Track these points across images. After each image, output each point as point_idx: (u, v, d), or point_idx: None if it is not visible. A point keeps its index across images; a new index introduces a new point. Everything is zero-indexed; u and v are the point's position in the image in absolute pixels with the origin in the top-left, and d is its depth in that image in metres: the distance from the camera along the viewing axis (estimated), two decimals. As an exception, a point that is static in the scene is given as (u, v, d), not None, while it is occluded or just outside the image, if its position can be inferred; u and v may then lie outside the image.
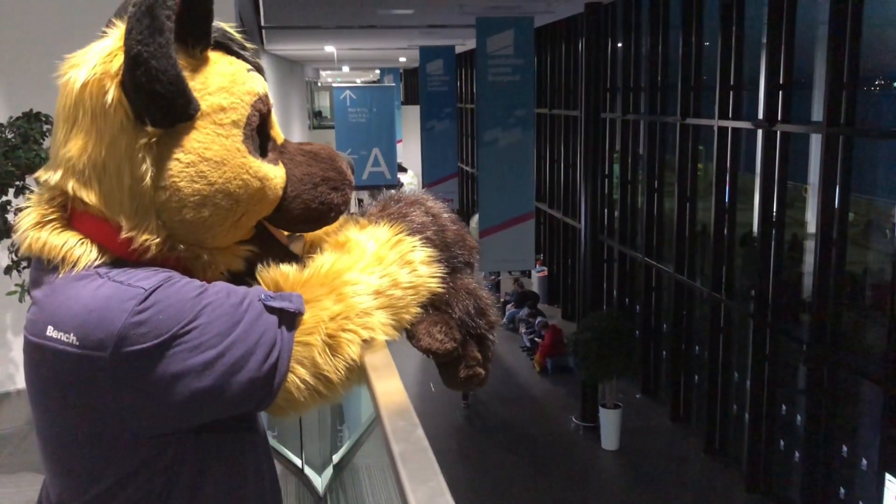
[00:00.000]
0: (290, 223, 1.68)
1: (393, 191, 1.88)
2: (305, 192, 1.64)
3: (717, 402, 15.04)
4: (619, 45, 19.01)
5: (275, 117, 1.70)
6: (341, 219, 1.79)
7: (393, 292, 1.61)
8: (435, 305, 1.72)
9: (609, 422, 15.94)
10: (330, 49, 29.57)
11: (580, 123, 18.53)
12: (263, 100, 1.59)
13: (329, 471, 3.95)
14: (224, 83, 1.51)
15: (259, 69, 1.66)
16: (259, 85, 1.59)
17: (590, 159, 17.89)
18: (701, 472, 14.88)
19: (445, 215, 1.84)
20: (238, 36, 1.63)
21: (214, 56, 1.55)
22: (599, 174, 19.03)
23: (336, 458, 3.97)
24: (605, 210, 19.83)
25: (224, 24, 1.65)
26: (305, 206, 1.64)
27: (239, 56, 1.61)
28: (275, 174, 1.59)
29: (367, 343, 1.58)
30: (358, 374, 1.58)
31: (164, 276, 1.46)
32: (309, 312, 1.51)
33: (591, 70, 17.66)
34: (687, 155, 15.91)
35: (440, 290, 1.72)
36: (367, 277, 1.59)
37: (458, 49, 28.00)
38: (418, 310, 1.69)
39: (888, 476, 9.98)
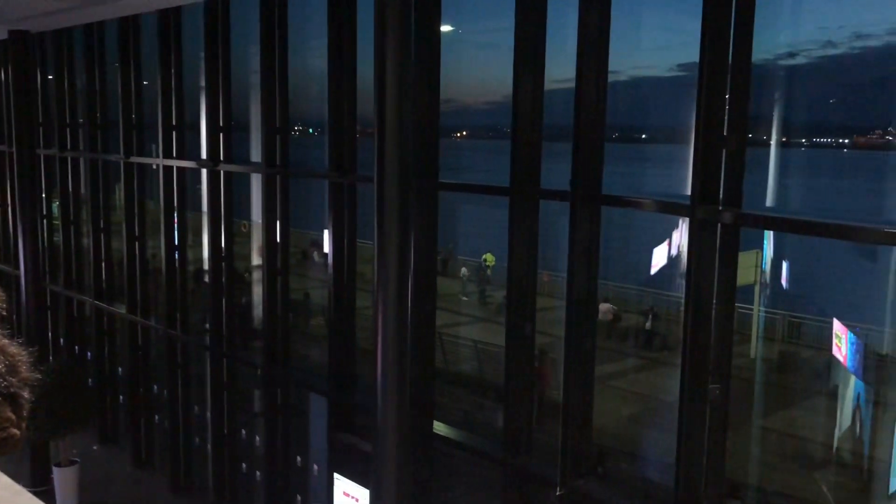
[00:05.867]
0: None
1: None
2: None
3: (180, 438, 15.11)
4: (51, 77, 17.87)
5: None
6: None
7: None
8: None
9: (65, 481, 14.77)
10: None
11: (9, 160, 16.89)
12: None
13: None
14: None
15: None
16: None
17: (26, 199, 16.47)
18: (169, 511, 14.76)
19: None
20: None
21: None
22: (38, 215, 17.61)
23: None
24: (48, 253, 18.36)
25: None
26: None
27: None
28: None
29: None
30: None
31: None
32: None
33: (20, 102, 16.30)
34: (133, 193, 15.73)
35: None
36: None
37: None
38: None
39: (336, 475, 11.32)
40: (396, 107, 8.10)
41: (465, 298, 17.40)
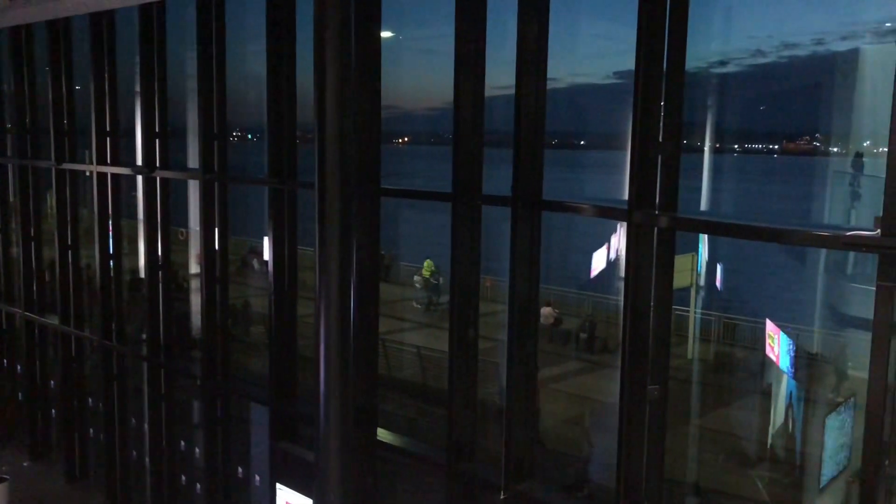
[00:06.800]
0: None
1: None
2: None
3: (116, 452, 14.72)
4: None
5: None
6: None
7: None
8: None
9: (-6, 499, 14.24)
10: None
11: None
12: None
13: None
14: None
15: None
16: None
17: (-51, 207, 15.81)
18: (105, 528, 14.35)
19: None
20: None
21: None
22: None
23: None
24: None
25: None
26: None
27: None
28: None
29: None
30: None
31: None
32: None
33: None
34: (65, 201, 15.29)
35: None
36: None
37: None
38: None
39: (278, 485, 11.15)
40: (337, 112, 8.05)
41: (417, 305, 17.30)
